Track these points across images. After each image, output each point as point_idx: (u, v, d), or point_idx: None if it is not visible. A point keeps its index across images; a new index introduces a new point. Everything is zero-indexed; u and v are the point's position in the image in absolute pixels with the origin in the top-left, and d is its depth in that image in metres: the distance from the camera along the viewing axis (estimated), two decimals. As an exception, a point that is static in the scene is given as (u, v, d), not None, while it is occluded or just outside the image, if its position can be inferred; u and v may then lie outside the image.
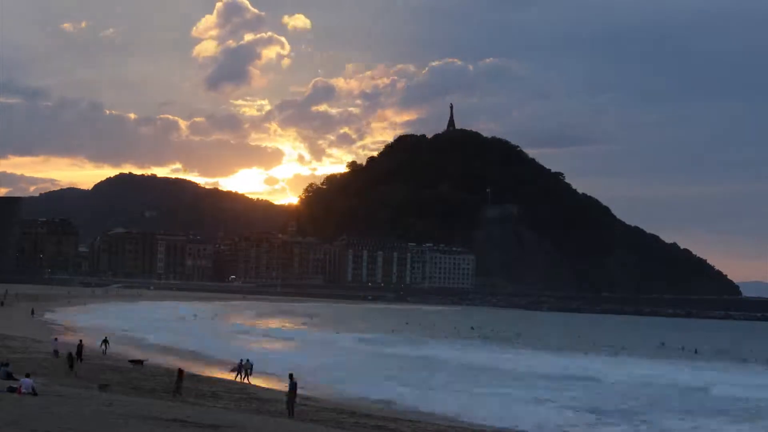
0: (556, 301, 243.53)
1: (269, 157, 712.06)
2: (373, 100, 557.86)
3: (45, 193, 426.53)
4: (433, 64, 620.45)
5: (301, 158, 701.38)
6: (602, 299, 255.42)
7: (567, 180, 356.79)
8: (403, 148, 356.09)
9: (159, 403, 24.97)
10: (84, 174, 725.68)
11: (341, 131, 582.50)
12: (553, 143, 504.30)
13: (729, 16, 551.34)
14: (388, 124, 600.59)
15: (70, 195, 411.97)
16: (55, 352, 40.00)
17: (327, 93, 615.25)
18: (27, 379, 23.96)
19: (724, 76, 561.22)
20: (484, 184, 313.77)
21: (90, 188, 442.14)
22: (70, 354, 35.39)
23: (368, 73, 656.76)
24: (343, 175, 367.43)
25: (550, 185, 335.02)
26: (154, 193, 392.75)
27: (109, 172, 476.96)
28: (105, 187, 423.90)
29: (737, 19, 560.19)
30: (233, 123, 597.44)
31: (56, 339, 45.77)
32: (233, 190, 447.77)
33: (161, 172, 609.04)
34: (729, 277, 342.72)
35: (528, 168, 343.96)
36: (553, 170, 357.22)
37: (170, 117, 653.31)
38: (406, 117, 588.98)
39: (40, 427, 16.74)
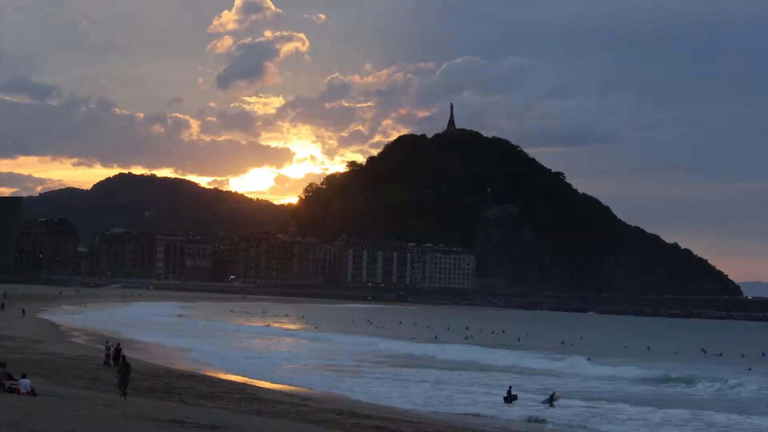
0: (556, 301, 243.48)
1: (281, 156, 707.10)
2: (388, 98, 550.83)
3: (45, 193, 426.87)
4: (450, 62, 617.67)
5: (313, 157, 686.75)
6: (602, 299, 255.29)
7: (567, 180, 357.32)
8: (403, 147, 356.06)
9: (158, 404, 24.92)
10: (92, 173, 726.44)
11: (355, 129, 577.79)
12: (554, 143, 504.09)
13: (731, 15, 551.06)
14: (403, 123, 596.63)
15: (69, 195, 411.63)
16: (107, 356, 38.68)
17: (342, 90, 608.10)
18: (25, 380, 23.84)
19: (724, 76, 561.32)
20: (484, 184, 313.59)
21: (90, 188, 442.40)
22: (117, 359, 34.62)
23: (385, 71, 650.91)
24: (343, 175, 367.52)
25: (550, 185, 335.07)
26: (154, 193, 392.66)
27: (118, 172, 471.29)
28: (105, 186, 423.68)
29: (739, 18, 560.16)
30: (246, 121, 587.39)
31: (108, 341, 43.62)
32: (233, 190, 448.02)
33: (170, 171, 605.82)
34: (730, 277, 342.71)
35: (528, 168, 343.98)
36: (553, 170, 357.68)
37: (180, 116, 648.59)
38: (421, 115, 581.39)
39: (39, 427, 16.66)
